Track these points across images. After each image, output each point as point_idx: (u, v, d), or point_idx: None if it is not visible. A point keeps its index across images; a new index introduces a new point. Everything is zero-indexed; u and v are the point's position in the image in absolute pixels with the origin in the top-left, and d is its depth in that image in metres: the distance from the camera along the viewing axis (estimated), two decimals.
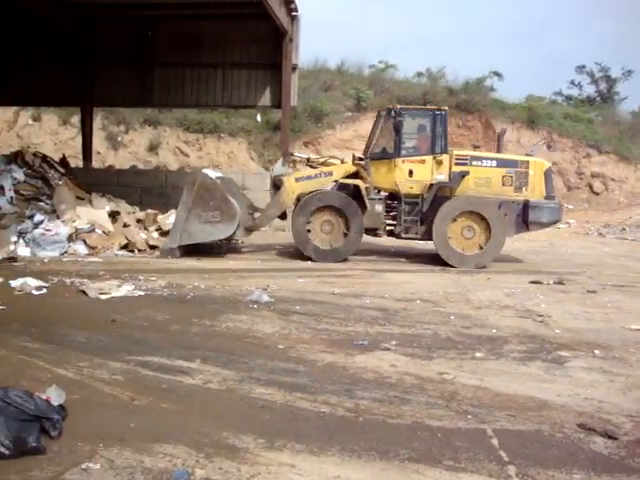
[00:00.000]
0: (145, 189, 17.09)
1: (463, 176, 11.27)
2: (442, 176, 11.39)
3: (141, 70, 17.77)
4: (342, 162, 12.33)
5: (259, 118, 24.57)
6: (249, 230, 11.83)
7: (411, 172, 11.44)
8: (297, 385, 4.60)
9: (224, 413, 4.07)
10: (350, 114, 25.43)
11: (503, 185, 11.32)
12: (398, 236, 11.77)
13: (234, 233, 11.22)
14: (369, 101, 25.33)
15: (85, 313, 6.66)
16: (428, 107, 12.64)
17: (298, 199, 11.62)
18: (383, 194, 11.87)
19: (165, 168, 22.91)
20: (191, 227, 10.70)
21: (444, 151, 11.47)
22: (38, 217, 11.23)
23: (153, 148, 24.97)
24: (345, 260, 11.19)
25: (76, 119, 22.53)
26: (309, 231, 11.21)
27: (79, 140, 19.06)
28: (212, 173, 11.88)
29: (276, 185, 11.93)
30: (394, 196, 11.77)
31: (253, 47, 17.32)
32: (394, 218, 11.73)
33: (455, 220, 11.13)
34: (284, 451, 3.56)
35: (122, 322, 6.28)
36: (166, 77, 17.76)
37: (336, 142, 24.67)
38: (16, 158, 13.55)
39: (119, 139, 25.05)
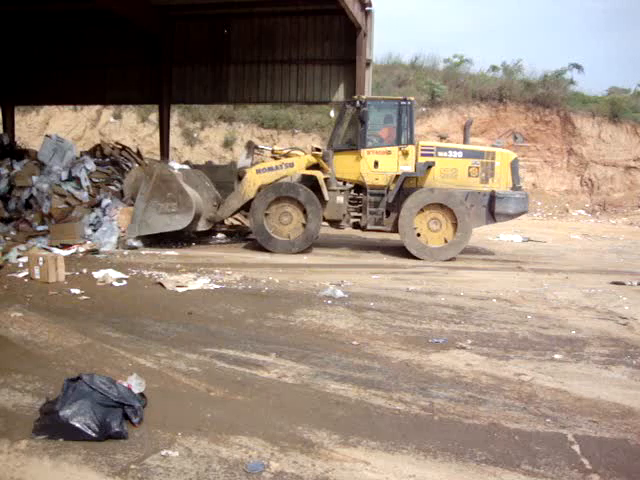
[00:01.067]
0: (220, 184, 17.43)
1: (429, 167, 11.12)
2: (408, 167, 11.24)
3: (217, 67, 18.09)
4: (305, 154, 12.09)
5: (332, 114, 24.61)
6: (210, 221, 11.91)
7: (376, 163, 11.32)
8: (371, 382, 4.58)
9: (299, 407, 4.09)
10: (424, 109, 25.10)
11: (469, 176, 11.17)
12: (364, 228, 11.62)
13: (193, 224, 11.23)
14: (443, 96, 24.95)
15: (163, 305, 6.83)
16: (394, 97, 12.30)
17: (260, 189, 11.49)
18: (348, 185, 11.71)
19: None
20: (149, 218, 10.86)
21: (410, 142, 11.32)
22: (105, 202, 11.63)
23: (228, 144, 25.43)
24: (306, 252, 11.13)
25: (154, 116, 23.24)
26: (267, 221, 11.14)
27: (157, 137, 19.60)
28: (176, 165, 12.20)
29: (240, 177, 11.97)
30: (360, 188, 11.58)
31: (327, 43, 17.34)
32: (360, 210, 11.53)
33: (421, 212, 10.99)
34: (358, 447, 3.55)
35: (198, 315, 6.42)
36: (241, 74, 18.01)
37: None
38: (94, 151, 14.15)
39: (195, 135, 25.62)
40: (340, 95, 17.64)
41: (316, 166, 11.47)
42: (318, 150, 11.64)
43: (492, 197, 11.00)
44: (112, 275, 8.00)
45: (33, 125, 27.43)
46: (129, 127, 26.33)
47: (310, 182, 11.27)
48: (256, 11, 17.17)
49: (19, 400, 4.04)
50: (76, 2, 16.10)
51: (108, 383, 3.80)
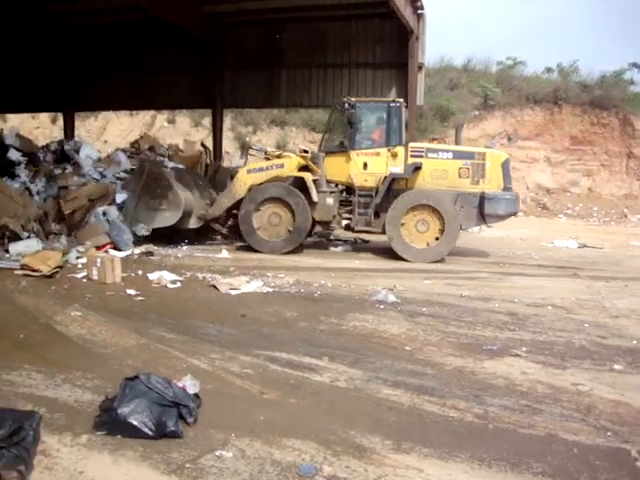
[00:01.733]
0: None
1: (416, 168, 11.08)
2: (397, 169, 11.20)
3: (269, 72, 18.24)
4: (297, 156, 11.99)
5: None
6: (201, 219, 11.86)
7: (366, 165, 11.35)
8: (424, 388, 4.54)
9: (351, 412, 4.09)
10: (477, 113, 24.74)
11: (460, 177, 11.09)
12: (353, 230, 11.63)
13: (184, 221, 11.35)
14: (497, 99, 24.51)
15: (216, 307, 6.93)
16: (383, 99, 12.15)
17: (250, 189, 11.49)
18: (340, 187, 11.74)
19: None
20: (140, 214, 11.06)
21: (399, 143, 11.28)
22: (120, 197, 11.77)
23: (280, 148, 25.59)
24: (294, 252, 11.14)
25: (207, 121, 23.53)
26: (257, 221, 11.23)
27: (210, 141, 19.83)
28: (169, 164, 12.41)
29: (232, 177, 12.16)
30: (351, 189, 11.57)
31: (378, 47, 17.29)
32: (351, 212, 11.53)
33: (409, 213, 10.94)
34: (411, 454, 3.53)
35: (251, 317, 6.48)
36: (293, 78, 18.12)
37: (462, 141, 24.11)
38: (133, 145, 14.60)
39: (247, 139, 25.88)
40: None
41: (306, 168, 11.51)
42: (305, 152, 11.72)
43: (482, 198, 10.95)
44: (166, 277, 8.15)
45: (92, 130, 28.20)
46: (183, 131, 26.74)
47: (300, 184, 11.30)
48: (308, 16, 17.24)
49: (80, 396, 4.17)
50: (131, 13, 16.51)
51: (164, 383, 3.88)
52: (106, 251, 9.92)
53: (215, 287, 7.82)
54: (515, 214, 11.75)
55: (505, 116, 24.20)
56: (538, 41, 48.11)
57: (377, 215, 11.28)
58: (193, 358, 5.03)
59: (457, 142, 12.46)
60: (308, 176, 11.26)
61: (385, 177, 11.20)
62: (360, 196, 11.37)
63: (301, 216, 11.12)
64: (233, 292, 7.63)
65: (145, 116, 27.47)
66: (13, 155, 12.72)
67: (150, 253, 10.30)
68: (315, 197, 11.19)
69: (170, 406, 3.74)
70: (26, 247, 9.48)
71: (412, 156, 11.22)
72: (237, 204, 11.68)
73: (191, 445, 3.54)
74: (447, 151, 11.47)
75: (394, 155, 11.24)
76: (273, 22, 17.72)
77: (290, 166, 11.57)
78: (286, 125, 25.74)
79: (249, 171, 11.79)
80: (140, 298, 7.22)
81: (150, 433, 3.58)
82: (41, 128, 28.40)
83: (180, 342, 5.50)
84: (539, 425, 3.97)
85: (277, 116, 25.60)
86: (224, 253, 10.81)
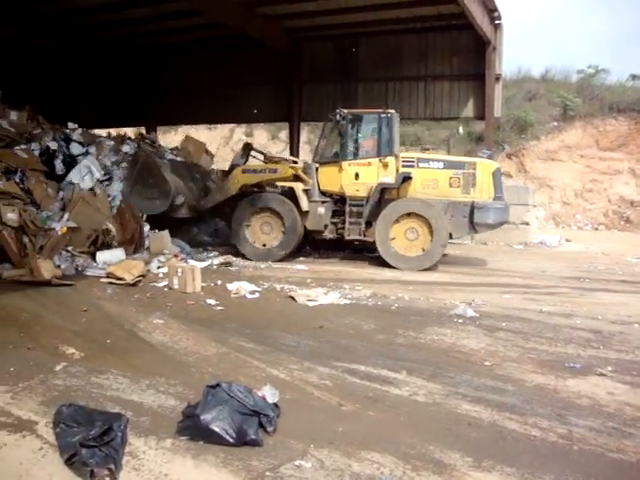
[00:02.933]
0: None
1: (406, 178, 11.18)
2: (388, 179, 11.31)
3: (345, 85, 18.41)
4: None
5: (461, 130, 24.23)
6: (192, 210, 12.40)
7: (357, 175, 11.47)
8: (505, 404, 4.44)
9: (430, 427, 4.04)
10: (556, 124, 24.07)
11: (450, 187, 11.16)
12: (344, 239, 11.71)
13: (175, 210, 12.00)
14: (577, 109, 23.74)
15: (294, 318, 7.00)
16: (374, 110, 12.04)
17: (242, 189, 11.91)
18: (335, 197, 11.85)
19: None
20: (135, 202, 11.56)
21: (390, 153, 11.39)
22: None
23: None
24: (282, 260, 11.26)
25: (284, 134, 23.91)
26: (249, 230, 11.63)
27: (287, 154, 20.12)
28: (169, 156, 13.03)
29: (229, 173, 12.63)
30: (344, 199, 11.67)
31: (454, 58, 17.18)
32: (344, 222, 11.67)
33: (398, 222, 11.04)
34: (493, 472, 3.45)
35: (329, 329, 6.52)
36: (369, 91, 18.22)
37: (541, 153, 23.50)
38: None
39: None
40: (469, 111, 17.41)
41: (299, 177, 11.76)
42: (295, 162, 12.17)
43: (473, 207, 10.99)
44: (245, 287, 8.31)
45: (172, 144, 29.01)
46: (260, 144, 27.27)
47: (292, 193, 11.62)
48: (383, 29, 17.32)
49: (163, 402, 4.29)
50: (212, 29, 17.05)
51: (245, 392, 3.94)
52: (185, 261, 10.21)
53: (293, 298, 7.91)
54: (505, 223, 11.77)
55: (586, 126, 23.41)
56: (622, 48, 46.47)
57: (369, 224, 11.37)
58: (272, 368, 5.10)
59: (449, 152, 12.25)
60: (298, 186, 11.54)
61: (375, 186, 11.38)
62: (352, 205, 11.52)
63: (291, 225, 11.46)
64: (310, 303, 7.70)
65: (223, 130, 28.15)
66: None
67: (229, 264, 10.56)
68: (304, 206, 11.44)
69: (251, 415, 3.80)
70: (111, 256, 9.87)
71: (403, 166, 11.38)
72: (228, 200, 12.23)
73: (271, 454, 3.58)
74: (438, 161, 11.62)
75: (385, 165, 11.37)
76: (348, 36, 17.93)
77: (282, 173, 11.86)
78: None
79: (244, 171, 12.21)
80: (219, 308, 7.39)
81: (231, 440, 3.65)
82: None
83: (259, 352, 5.57)
84: (629, 450, 3.79)
85: None
86: (301, 265, 10.93)
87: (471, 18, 14.42)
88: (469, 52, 16.88)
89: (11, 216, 9.29)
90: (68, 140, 12.60)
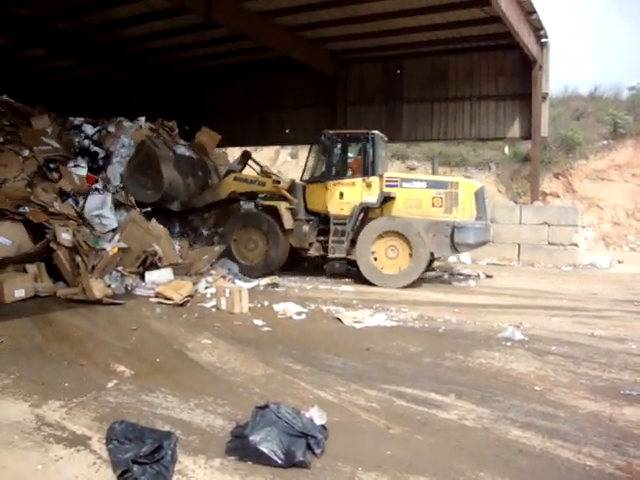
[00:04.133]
0: None
1: (389, 198, 11.44)
2: (372, 198, 11.57)
3: (390, 106, 18.48)
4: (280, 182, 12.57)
5: (507, 150, 24.02)
6: (183, 205, 12.87)
7: (342, 194, 11.78)
8: (557, 432, 4.31)
9: (479, 452, 3.96)
10: (605, 142, 23.63)
11: (433, 206, 11.27)
12: (328, 257, 11.82)
13: (168, 203, 12.47)
14: (628, 127, 23.27)
15: (341, 340, 6.98)
16: (358, 131, 12.38)
17: (230, 195, 12.68)
18: (322, 216, 12.17)
19: None
20: (129, 186, 12.13)
21: (374, 173, 11.63)
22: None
23: None
24: (265, 275, 11.33)
25: None
26: (235, 246, 12.06)
27: None
28: (180, 149, 13.23)
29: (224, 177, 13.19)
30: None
31: (500, 78, 17.12)
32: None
33: (379, 240, 11.24)
34: None
35: (376, 351, 6.47)
36: (414, 112, 18.25)
37: (589, 173, 23.09)
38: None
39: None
40: (516, 131, 17.27)
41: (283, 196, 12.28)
42: (278, 182, 12.37)
43: (453, 227, 11.02)
44: (292, 308, 8.34)
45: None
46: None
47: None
48: (428, 50, 17.37)
49: (212, 421, 4.32)
50: (257, 53, 17.38)
51: (293, 413, 3.94)
52: (232, 282, 10.33)
53: (339, 320, 7.90)
54: (486, 243, 11.75)
55: (637, 145, 22.94)
56: None
57: (354, 243, 11.52)
58: (319, 390, 5.08)
59: (433, 172, 12.85)
60: (280, 205, 11.96)
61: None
62: (336, 224, 11.77)
63: (274, 243, 11.85)
64: (357, 325, 7.66)
65: (269, 151, 28.47)
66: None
67: (275, 284, 10.63)
68: (287, 224, 11.81)
69: (299, 436, 3.80)
70: (160, 276, 10.05)
71: (387, 186, 11.55)
72: (216, 203, 13.10)
73: (319, 476, 3.56)
74: (421, 181, 11.74)
75: (369, 185, 11.60)
76: (394, 58, 18.01)
77: (268, 187, 12.43)
78: (407, 159, 25.78)
79: (236, 178, 12.77)
80: (266, 328, 7.42)
81: (279, 462, 3.65)
82: None
83: (306, 373, 5.57)
84: None
85: (398, 150, 25.72)
86: (347, 286, 10.96)
87: (517, 37, 14.38)
88: (515, 71, 16.82)
89: (65, 236, 9.54)
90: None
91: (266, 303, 8.87)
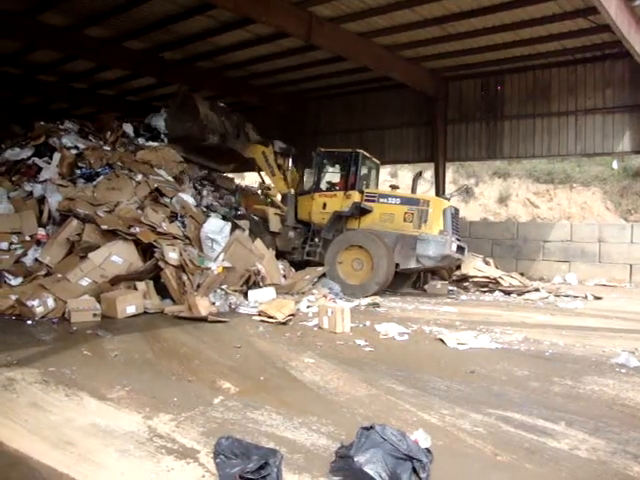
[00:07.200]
0: (496, 240, 17.42)
1: (361, 209, 12.76)
2: (346, 208, 12.93)
3: (490, 123, 18.10)
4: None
5: (615, 165, 22.91)
6: (221, 138, 14.85)
7: (324, 205, 13.36)
8: None
9: None
10: None
11: (404, 221, 12.40)
12: (303, 258, 13.26)
13: (206, 137, 14.46)
14: None
15: (444, 362, 6.87)
16: (344, 150, 13.77)
17: None
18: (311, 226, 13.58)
19: (515, 220, 22.76)
20: (172, 126, 14.78)
21: (354, 188, 13.05)
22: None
23: (503, 200, 25.01)
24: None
25: (428, 174, 23.79)
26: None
27: (432, 193, 20.00)
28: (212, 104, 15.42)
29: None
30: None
31: (608, 90, 16.32)
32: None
33: (348, 250, 12.38)
34: None
35: (480, 374, 6.33)
36: (515, 129, 17.76)
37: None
38: None
39: (469, 192, 25.65)
40: (625, 145, 16.42)
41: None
42: (269, 189, 14.85)
43: (416, 240, 11.99)
44: (394, 329, 8.30)
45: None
46: (405, 184, 27.36)
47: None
48: (530, 65, 16.92)
49: (315, 440, 4.34)
50: (357, 73, 17.58)
51: (398, 435, 3.89)
52: (334, 301, 10.41)
53: (442, 341, 7.79)
54: (447, 256, 12.23)
55: None
56: None
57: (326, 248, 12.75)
58: (423, 412, 5.01)
59: (413, 190, 13.41)
60: (269, 209, 13.67)
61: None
62: (315, 231, 13.39)
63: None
64: (460, 347, 7.53)
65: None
66: None
67: (376, 305, 10.64)
68: (272, 227, 13.28)
69: (404, 459, 3.74)
70: (263, 295, 10.29)
71: (366, 200, 12.90)
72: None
73: None
74: (395, 197, 12.87)
75: (348, 197, 13.02)
76: (494, 74, 17.68)
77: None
78: (509, 176, 25.15)
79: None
80: (369, 349, 7.41)
81: None
82: None
83: (409, 395, 5.51)
84: None
85: (499, 167, 25.15)
86: (449, 307, 10.81)
87: (628, 46, 13.72)
88: (624, 82, 16.02)
89: (172, 255, 9.96)
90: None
91: (368, 323, 8.88)
